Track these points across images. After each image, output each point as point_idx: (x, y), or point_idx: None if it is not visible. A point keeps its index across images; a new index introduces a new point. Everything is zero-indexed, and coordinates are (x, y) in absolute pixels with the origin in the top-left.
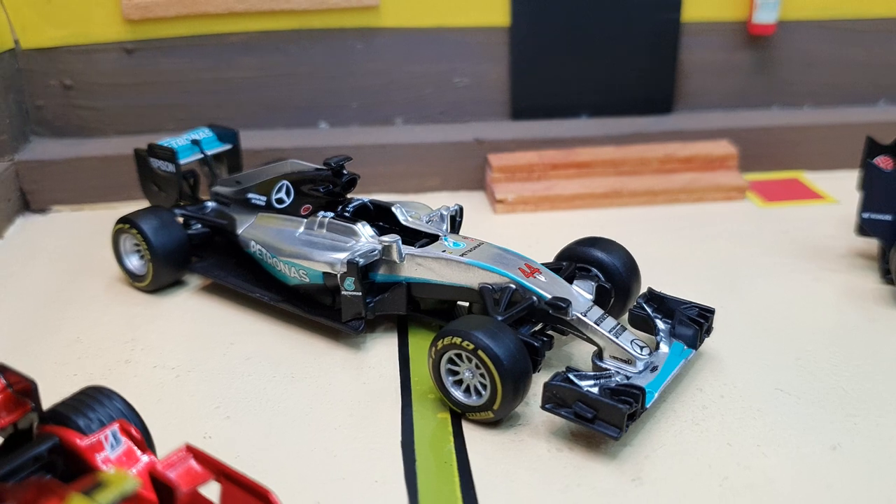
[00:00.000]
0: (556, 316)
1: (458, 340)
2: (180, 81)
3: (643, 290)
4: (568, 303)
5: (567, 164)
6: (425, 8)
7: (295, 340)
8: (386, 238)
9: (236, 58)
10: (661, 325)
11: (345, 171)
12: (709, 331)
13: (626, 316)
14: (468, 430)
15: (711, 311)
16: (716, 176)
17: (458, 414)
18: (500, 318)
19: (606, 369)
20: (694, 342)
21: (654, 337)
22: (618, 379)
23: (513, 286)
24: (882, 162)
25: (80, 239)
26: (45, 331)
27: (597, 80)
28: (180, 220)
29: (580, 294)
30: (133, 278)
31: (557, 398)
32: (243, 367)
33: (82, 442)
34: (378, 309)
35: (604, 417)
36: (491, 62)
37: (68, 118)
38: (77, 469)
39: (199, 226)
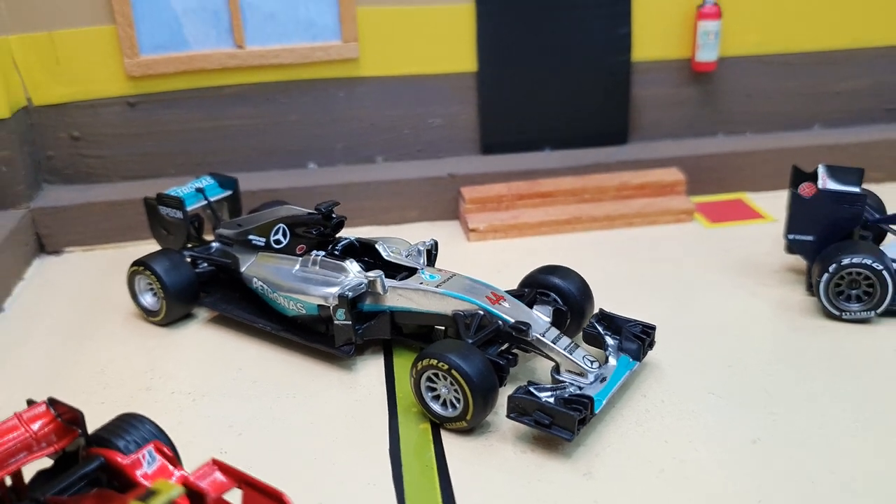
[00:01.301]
0: (518, 337)
1: (434, 362)
2: (180, 130)
3: (596, 310)
4: (528, 325)
5: (532, 193)
6: (400, 58)
7: (295, 364)
8: (371, 273)
9: (231, 108)
10: (610, 341)
11: (334, 215)
12: (651, 345)
13: (580, 334)
14: (446, 437)
15: (653, 328)
16: (666, 200)
17: (437, 424)
18: (470, 342)
19: (562, 382)
20: (638, 355)
21: (603, 352)
22: (571, 390)
23: (481, 312)
24: (806, 188)
25: (93, 277)
26: (72, 364)
27: (557, 117)
28: (188, 260)
29: (539, 317)
30: (148, 314)
31: (520, 408)
32: (251, 389)
33: (124, 460)
34: (366, 334)
35: (559, 423)
36: (461, 104)
37: (77, 167)
38: (120, 484)
39: (206, 265)
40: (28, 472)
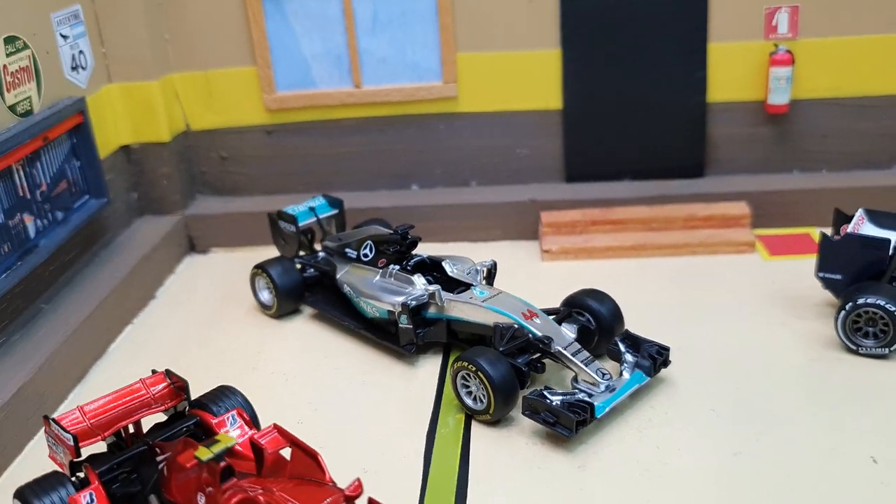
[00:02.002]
0: (542, 348)
1: (465, 364)
2: (306, 155)
3: (623, 330)
4: (551, 339)
5: (604, 220)
6: (494, 96)
7: (369, 357)
8: (431, 287)
9: (348, 137)
10: (629, 357)
11: (409, 236)
12: (664, 364)
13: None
14: (475, 427)
15: (667, 349)
16: (729, 232)
17: (469, 415)
18: (501, 349)
19: (574, 389)
20: (650, 371)
21: (619, 366)
22: (580, 396)
23: (515, 326)
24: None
25: (229, 274)
26: (199, 345)
27: (637, 150)
28: (298, 266)
29: (566, 333)
30: (263, 308)
31: (532, 407)
32: (332, 375)
33: (213, 420)
34: (427, 337)
35: (561, 422)
36: (548, 137)
37: (224, 181)
38: (213, 434)
39: (312, 270)
40: (147, 425)
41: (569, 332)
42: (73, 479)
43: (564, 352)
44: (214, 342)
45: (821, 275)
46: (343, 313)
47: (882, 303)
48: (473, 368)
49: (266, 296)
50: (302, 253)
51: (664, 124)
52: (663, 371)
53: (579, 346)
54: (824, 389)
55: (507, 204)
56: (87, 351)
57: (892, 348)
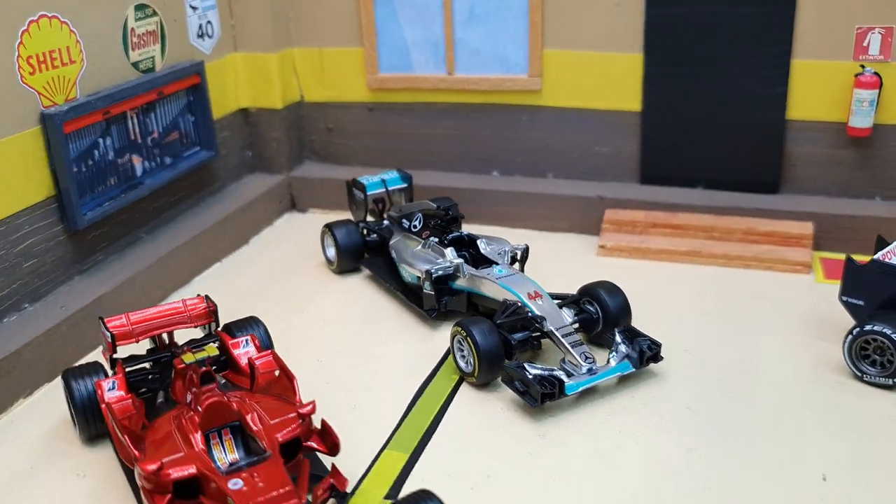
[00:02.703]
0: (535, 326)
1: (459, 329)
2: (401, 133)
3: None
4: (544, 319)
5: (665, 224)
6: (576, 93)
7: (399, 316)
8: (457, 260)
9: (439, 120)
10: (621, 348)
11: (450, 213)
12: (655, 359)
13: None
14: (464, 387)
15: (658, 345)
16: (787, 250)
17: (462, 378)
18: (497, 322)
19: (561, 368)
20: (637, 364)
21: (609, 353)
22: (557, 373)
23: (518, 303)
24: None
25: (316, 233)
26: (267, 286)
27: (713, 159)
28: (362, 230)
29: (564, 316)
30: (328, 263)
31: (509, 375)
32: (362, 325)
33: (230, 341)
34: (450, 305)
35: (530, 392)
36: (626, 137)
37: (328, 150)
38: (226, 355)
39: (374, 236)
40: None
41: (567, 316)
42: (108, 370)
43: (556, 332)
44: (280, 286)
45: (844, 299)
46: (388, 276)
47: (888, 332)
48: (464, 334)
49: (331, 252)
50: (371, 219)
51: (741, 137)
52: (660, 367)
53: (572, 330)
54: (808, 409)
55: (576, 198)
56: (171, 278)
57: (895, 379)
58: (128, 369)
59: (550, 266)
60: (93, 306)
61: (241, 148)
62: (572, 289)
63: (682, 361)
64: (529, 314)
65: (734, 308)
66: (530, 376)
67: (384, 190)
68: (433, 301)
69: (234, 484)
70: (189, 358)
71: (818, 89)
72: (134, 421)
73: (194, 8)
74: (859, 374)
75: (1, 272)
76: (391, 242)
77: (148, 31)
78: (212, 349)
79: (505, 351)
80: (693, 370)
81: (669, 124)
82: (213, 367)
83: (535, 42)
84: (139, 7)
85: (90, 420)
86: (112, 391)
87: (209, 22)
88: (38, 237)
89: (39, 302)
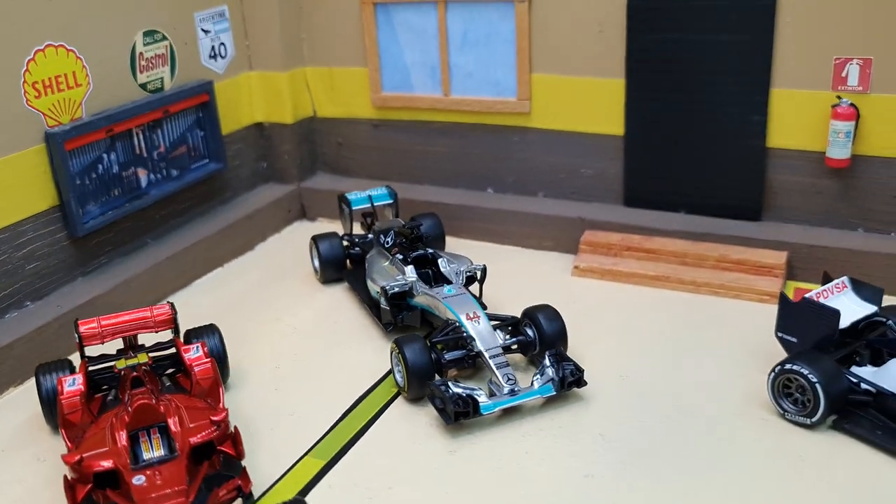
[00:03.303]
0: (465, 346)
1: (394, 346)
2: (403, 149)
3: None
4: (473, 339)
5: (639, 248)
6: (563, 116)
7: (365, 329)
8: (410, 278)
9: (436, 137)
10: (548, 371)
11: (414, 232)
12: (577, 383)
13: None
14: (399, 401)
15: (581, 371)
16: (757, 279)
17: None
18: (433, 340)
19: (478, 387)
20: (559, 387)
21: (534, 376)
22: (478, 393)
23: (456, 323)
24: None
25: None
26: (256, 291)
27: (695, 184)
28: (345, 243)
29: (496, 338)
30: (315, 272)
31: (431, 392)
32: (328, 335)
33: (182, 347)
34: (406, 320)
35: (446, 410)
36: (610, 160)
37: (338, 163)
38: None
39: (357, 249)
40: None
41: (499, 338)
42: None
43: (484, 353)
44: (267, 292)
45: (779, 335)
46: (360, 288)
47: (805, 371)
48: (397, 351)
49: (316, 263)
50: (362, 232)
51: (721, 163)
52: (591, 392)
53: (499, 351)
54: (721, 443)
55: (560, 218)
56: (171, 280)
57: (813, 419)
58: (94, 368)
59: (525, 283)
60: (87, 306)
61: (255, 159)
62: (522, 306)
63: (615, 387)
64: (464, 334)
65: (689, 335)
66: (448, 394)
67: (370, 205)
68: (389, 315)
69: (137, 480)
70: (122, 364)
71: (797, 118)
72: (79, 416)
73: (206, 31)
74: (781, 411)
75: (4, 273)
76: (367, 256)
77: (157, 54)
78: (143, 356)
79: (437, 369)
80: (621, 397)
81: (651, 149)
82: (165, 371)
83: (523, 66)
84: (148, 33)
85: (52, 412)
86: (71, 387)
87: (222, 44)
88: (40, 242)
89: (41, 300)
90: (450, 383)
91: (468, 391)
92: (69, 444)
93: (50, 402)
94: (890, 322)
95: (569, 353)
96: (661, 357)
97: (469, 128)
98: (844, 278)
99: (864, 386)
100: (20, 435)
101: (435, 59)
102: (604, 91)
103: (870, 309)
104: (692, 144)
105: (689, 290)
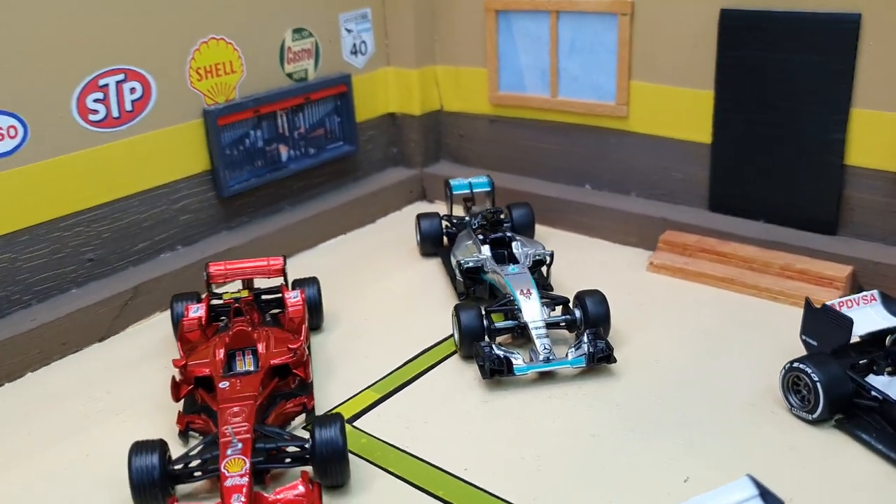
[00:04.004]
0: (518, 317)
1: (454, 311)
2: (514, 144)
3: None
4: (520, 311)
5: (712, 250)
6: (657, 122)
7: (444, 295)
8: (483, 256)
9: (544, 135)
10: (584, 346)
11: (495, 217)
12: (606, 359)
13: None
14: (455, 357)
15: (611, 349)
16: (817, 290)
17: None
18: (487, 309)
19: (517, 352)
20: (589, 361)
21: (569, 349)
22: (515, 356)
23: (511, 297)
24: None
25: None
26: (366, 257)
27: (775, 195)
28: (445, 223)
29: (541, 313)
30: (418, 246)
31: (475, 350)
32: (413, 298)
33: (285, 291)
34: (477, 292)
35: (484, 366)
36: (698, 167)
37: (459, 153)
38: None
39: (453, 228)
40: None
41: (545, 313)
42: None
43: (529, 324)
44: (375, 258)
45: (803, 337)
46: (448, 262)
47: (809, 371)
48: (455, 315)
49: (418, 237)
50: (461, 214)
51: (800, 177)
52: (624, 370)
53: (542, 325)
54: (724, 426)
55: (646, 217)
56: (299, 241)
57: (814, 415)
58: (215, 302)
59: (601, 273)
60: (224, 254)
61: (386, 145)
62: (612, 293)
63: (646, 369)
64: (516, 307)
65: (734, 333)
66: (488, 354)
67: (469, 191)
68: (462, 287)
69: (223, 384)
70: (228, 296)
71: (876, 139)
72: (195, 335)
73: (349, 31)
74: (789, 405)
75: (162, 222)
76: (459, 234)
77: (303, 49)
78: (245, 293)
79: (488, 334)
80: (648, 377)
81: (736, 158)
82: (270, 310)
83: (623, 74)
84: (296, 30)
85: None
86: (194, 313)
87: (363, 42)
88: (193, 199)
89: (189, 246)
90: (493, 346)
91: (507, 354)
92: (182, 353)
93: (177, 324)
94: None
95: (615, 335)
96: (699, 349)
97: (572, 127)
98: (875, 291)
99: (873, 392)
100: (156, 348)
101: (545, 62)
102: (695, 101)
103: (894, 321)
104: (774, 157)
105: (750, 294)
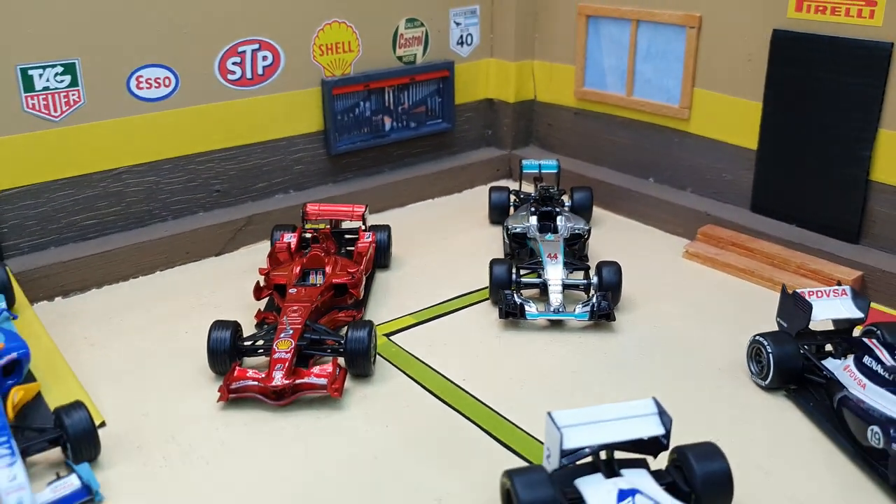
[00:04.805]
0: (540, 274)
1: (490, 264)
2: (593, 136)
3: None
4: (544, 270)
5: (741, 245)
6: (713, 127)
7: (497, 254)
8: (528, 224)
9: (618, 130)
10: (591, 304)
11: (547, 194)
12: (606, 316)
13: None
14: (486, 302)
15: (612, 308)
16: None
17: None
18: (517, 266)
19: (531, 301)
20: (591, 316)
21: (577, 304)
22: (530, 304)
23: (539, 259)
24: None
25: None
26: (442, 221)
27: (807, 203)
28: (512, 197)
29: (559, 273)
30: (489, 213)
31: (498, 296)
32: (470, 254)
33: (361, 233)
34: (521, 254)
35: (502, 309)
36: (745, 170)
37: (546, 140)
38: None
39: (518, 201)
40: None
41: (564, 274)
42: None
43: (549, 281)
44: (450, 221)
45: (777, 319)
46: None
47: (765, 343)
48: (490, 267)
49: (488, 207)
50: (528, 188)
51: (829, 188)
52: (624, 328)
53: (559, 283)
54: (691, 378)
55: (693, 211)
56: (391, 199)
57: (765, 382)
58: (307, 235)
59: (641, 254)
60: (325, 201)
61: (482, 126)
62: (643, 271)
63: (645, 331)
64: (542, 266)
65: (737, 315)
66: (507, 299)
67: (538, 171)
68: (509, 248)
69: (291, 290)
70: (311, 225)
71: None
72: (284, 255)
73: (458, 23)
74: (750, 372)
75: (280, 168)
76: (520, 207)
77: (414, 36)
78: (322, 225)
79: (516, 286)
80: (643, 337)
81: (776, 165)
82: (347, 245)
83: (688, 80)
84: (410, 20)
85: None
86: (286, 240)
87: (470, 34)
88: (306, 153)
89: (300, 192)
90: (515, 294)
91: (523, 302)
92: (268, 266)
93: (273, 246)
94: (879, 332)
95: (628, 303)
96: (701, 323)
97: (642, 125)
98: (847, 287)
99: (824, 371)
100: (255, 266)
101: (624, 64)
102: (745, 110)
103: (856, 314)
104: (808, 167)
105: (765, 286)
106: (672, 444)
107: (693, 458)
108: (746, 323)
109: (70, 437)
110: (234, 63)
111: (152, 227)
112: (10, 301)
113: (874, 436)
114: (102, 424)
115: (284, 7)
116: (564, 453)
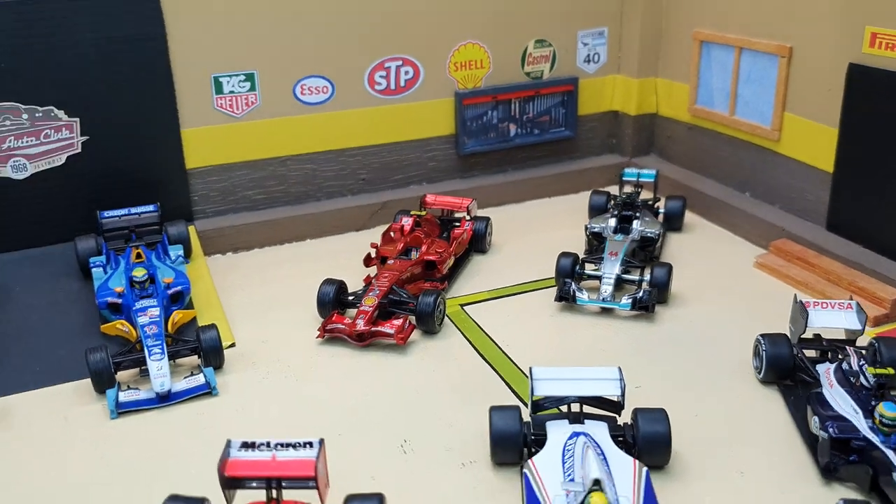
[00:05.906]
0: (599, 268)
1: (558, 258)
2: (702, 149)
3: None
4: (601, 266)
5: (805, 260)
6: (799, 149)
7: (581, 250)
8: (608, 224)
9: (722, 145)
10: (637, 294)
11: (629, 200)
12: (646, 308)
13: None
14: (551, 289)
15: (653, 301)
16: (865, 304)
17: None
18: (581, 258)
19: (585, 290)
20: (633, 306)
21: (623, 295)
22: (583, 292)
23: (602, 254)
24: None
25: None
26: (542, 214)
27: (873, 226)
28: (611, 202)
29: (614, 270)
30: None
31: (557, 284)
32: (559, 246)
33: (464, 221)
34: (598, 251)
35: (558, 292)
36: (823, 191)
37: (665, 151)
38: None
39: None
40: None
41: (618, 269)
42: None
43: (602, 276)
44: (554, 216)
45: (789, 325)
46: None
47: (763, 342)
48: (557, 259)
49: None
50: (629, 192)
51: (894, 213)
52: (663, 319)
53: (612, 276)
54: (703, 367)
55: (772, 225)
56: (511, 195)
57: (760, 376)
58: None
59: (716, 259)
60: (451, 193)
61: (605, 136)
62: (709, 276)
63: (681, 324)
64: (601, 261)
65: (774, 319)
66: (564, 286)
67: (636, 179)
68: (588, 244)
69: (391, 262)
70: (415, 212)
71: None
72: (396, 235)
73: (585, 44)
74: (753, 366)
75: (416, 164)
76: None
77: (542, 55)
78: (423, 213)
79: (578, 277)
80: (677, 328)
81: (849, 188)
82: (449, 229)
83: (779, 104)
84: (538, 41)
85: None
86: (403, 223)
87: (597, 53)
88: (438, 152)
89: (430, 184)
90: (572, 283)
91: (577, 289)
92: (381, 241)
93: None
94: (876, 345)
95: (679, 300)
96: (738, 324)
97: (742, 143)
98: (854, 301)
99: (812, 371)
100: (363, 244)
101: (728, 86)
102: (825, 135)
103: (854, 326)
104: (876, 192)
105: (815, 297)
106: (632, 408)
107: (642, 419)
108: (782, 328)
109: (203, 348)
110: (380, 76)
111: (308, 205)
112: (188, 252)
113: (815, 424)
114: (232, 345)
115: (426, 30)
116: (534, 400)
